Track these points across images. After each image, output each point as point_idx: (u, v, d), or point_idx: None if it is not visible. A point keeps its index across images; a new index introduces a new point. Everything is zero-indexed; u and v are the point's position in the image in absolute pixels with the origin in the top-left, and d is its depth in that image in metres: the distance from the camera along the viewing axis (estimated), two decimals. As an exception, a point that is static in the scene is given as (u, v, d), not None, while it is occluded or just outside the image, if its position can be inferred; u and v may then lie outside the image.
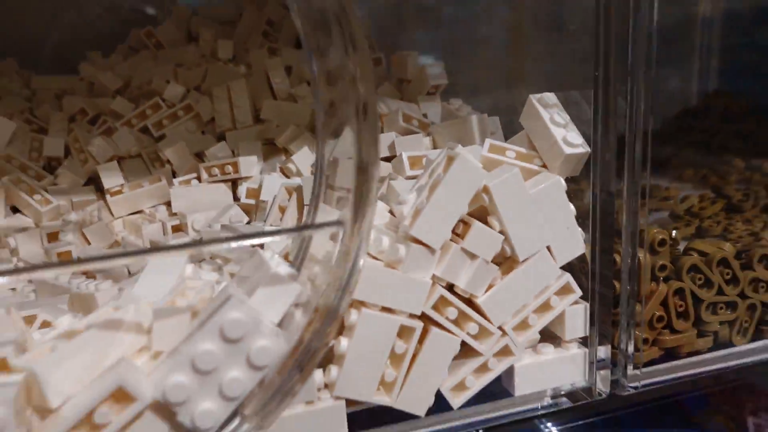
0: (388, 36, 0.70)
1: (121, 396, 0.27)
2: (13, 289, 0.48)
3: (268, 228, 0.47)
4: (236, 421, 0.31)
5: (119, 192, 0.58)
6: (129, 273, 0.49)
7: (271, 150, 0.60)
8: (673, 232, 0.48)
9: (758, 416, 0.52)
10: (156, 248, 0.43)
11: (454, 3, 0.70)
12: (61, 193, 0.59)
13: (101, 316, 0.30)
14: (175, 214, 0.57)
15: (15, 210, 0.58)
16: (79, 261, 0.38)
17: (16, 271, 0.35)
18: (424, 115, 0.57)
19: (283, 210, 0.49)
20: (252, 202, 0.53)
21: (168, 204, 0.58)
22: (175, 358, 0.27)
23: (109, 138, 0.62)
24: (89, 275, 0.47)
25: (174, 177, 0.60)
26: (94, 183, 0.62)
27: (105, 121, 0.67)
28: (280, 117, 0.62)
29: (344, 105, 0.31)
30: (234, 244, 0.28)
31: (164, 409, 0.28)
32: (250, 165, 0.56)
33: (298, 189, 0.48)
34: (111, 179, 0.58)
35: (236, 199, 0.57)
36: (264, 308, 0.29)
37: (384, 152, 0.50)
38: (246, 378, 0.28)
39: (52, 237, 0.54)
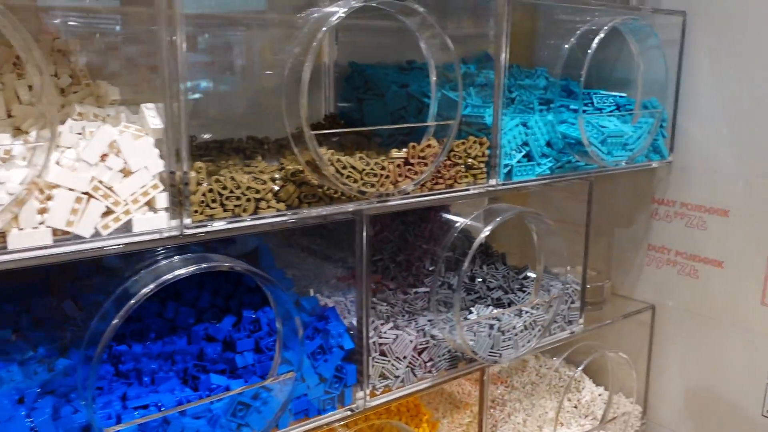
0: (96, 67, 1.19)
1: (-44, 201, 0.73)
2: None
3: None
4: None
5: None
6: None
7: (18, 132, 1.06)
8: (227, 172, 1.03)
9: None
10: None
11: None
12: None
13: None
14: (-43, 165, 1.00)
15: None
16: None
17: None
18: (108, 115, 1.07)
19: (24, 159, 0.96)
20: (6, 157, 0.99)
21: (-48, 160, 1.01)
22: (-22, 188, 0.75)
23: None
24: None
25: (-45, 146, 1.02)
26: None
27: None
28: (24, 114, 1.08)
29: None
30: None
31: (-27, 208, 0.75)
32: (4, 138, 1.01)
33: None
34: None
35: (-4, 157, 1.01)
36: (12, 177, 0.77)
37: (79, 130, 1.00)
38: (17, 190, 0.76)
39: None
